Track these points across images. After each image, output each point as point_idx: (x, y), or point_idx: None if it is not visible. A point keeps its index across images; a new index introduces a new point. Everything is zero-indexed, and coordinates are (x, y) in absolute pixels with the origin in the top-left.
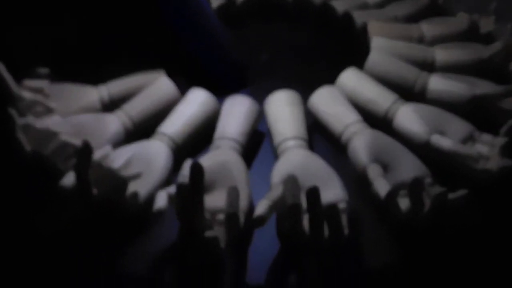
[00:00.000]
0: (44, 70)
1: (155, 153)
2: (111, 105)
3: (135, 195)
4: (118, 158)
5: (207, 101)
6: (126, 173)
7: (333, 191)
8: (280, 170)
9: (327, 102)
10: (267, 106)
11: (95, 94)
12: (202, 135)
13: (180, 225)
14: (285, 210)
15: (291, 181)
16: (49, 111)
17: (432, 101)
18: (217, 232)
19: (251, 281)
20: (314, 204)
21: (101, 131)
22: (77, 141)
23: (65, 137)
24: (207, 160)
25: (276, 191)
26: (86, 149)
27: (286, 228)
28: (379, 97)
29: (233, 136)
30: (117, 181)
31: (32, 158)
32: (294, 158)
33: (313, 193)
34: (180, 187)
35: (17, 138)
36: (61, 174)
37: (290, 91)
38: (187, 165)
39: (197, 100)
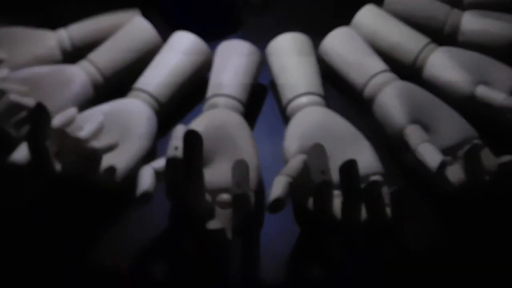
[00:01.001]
0: None
1: (133, 115)
2: (74, 54)
3: (111, 170)
4: (87, 123)
5: (196, 48)
6: (99, 143)
7: (366, 161)
8: (295, 135)
9: (344, 47)
10: (271, 54)
11: (53, 40)
12: (191, 91)
13: (172, 209)
14: (311, 189)
15: (317, 151)
16: None
17: (465, 44)
18: (221, 217)
19: (263, 273)
20: (351, 182)
21: (62, 88)
22: (30, 101)
23: (15, 96)
24: (200, 124)
25: (296, 164)
26: (41, 113)
27: (311, 210)
28: (406, 40)
29: (231, 91)
30: (87, 154)
31: None
32: (312, 119)
33: (350, 169)
34: (172, 161)
35: None
36: (13, 144)
37: (298, 34)
38: (179, 132)
39: (183, 47)
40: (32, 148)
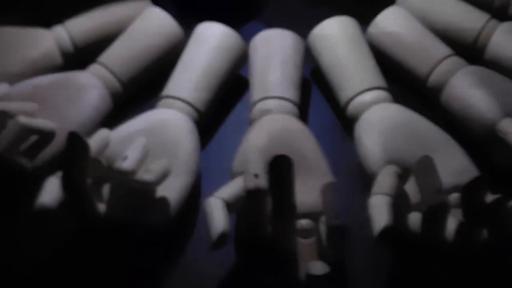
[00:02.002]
0: None
1: (175, 131)
2: (76, 56)
3: (166, 206)
4: (129, 149)
5: (230, 41)
6: (150, 174)
7: (459, 168)
8: (374, 142)
9: (399, 30)
10: (316, 43)
11: (49, 40)
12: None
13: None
14: (411, 209)
15: (426, 165)
16: None
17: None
18: (304, 251)
19: None
20: (476, 204)
21: (75, 102)
22: (45, 124)
23: (25, 119)
24: (261, 136)
25: (391, 180)
26: (76, 143)
27: (411, 233)
28: (464, 16)
29: (284, 92)
30: (135, 189)
31: None
32: (388, 120)
33: (478, 188)
34: (255, 194)
35: None
36: (27, 177)
37: (345, 18)
38: (253, 155)
39: (214, 41)
40: (68, 188)
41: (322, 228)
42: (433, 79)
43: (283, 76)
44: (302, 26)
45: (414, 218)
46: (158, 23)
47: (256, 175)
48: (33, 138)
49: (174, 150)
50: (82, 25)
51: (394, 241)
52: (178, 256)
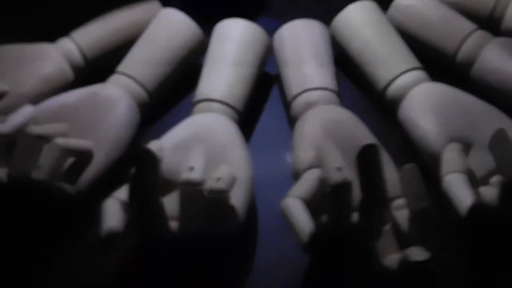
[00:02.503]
0: None
1: (223, 135)
2: (87, 69)
3: (236, 214)
4: (192, 159)
5: (258, 36)
6: (221, 182)
7: None
8: (436, 123)
9: (420, 8)
10: (341, 29)
11: (57, 54)
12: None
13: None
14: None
15: (501, 140)
16: None
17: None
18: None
19: None
20: None
21: (107, 118)
22: (84, 144)
23: (63, 140)
24: (318, 121)
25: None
26: (148, 161)
27: None
28: None
29: (324, 82)
30: (215, 201)
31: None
32: (439, 96)
33: None
34: (340, 187)
35: None
36: (71, 204)
37: (366, 2)
38: (329, 149)
39: (242, 36)
40: (141, 209)
41: (399, 214)
42: (463, 54)
43: (319, 66)
44: (311, 17)
45: (487, 193)
46: (177, 25)
47: (339, 168)
48: (70, 160)
49: (226, 155)
50: (90, 36)
51: (482, 219)
52: (248, 262)
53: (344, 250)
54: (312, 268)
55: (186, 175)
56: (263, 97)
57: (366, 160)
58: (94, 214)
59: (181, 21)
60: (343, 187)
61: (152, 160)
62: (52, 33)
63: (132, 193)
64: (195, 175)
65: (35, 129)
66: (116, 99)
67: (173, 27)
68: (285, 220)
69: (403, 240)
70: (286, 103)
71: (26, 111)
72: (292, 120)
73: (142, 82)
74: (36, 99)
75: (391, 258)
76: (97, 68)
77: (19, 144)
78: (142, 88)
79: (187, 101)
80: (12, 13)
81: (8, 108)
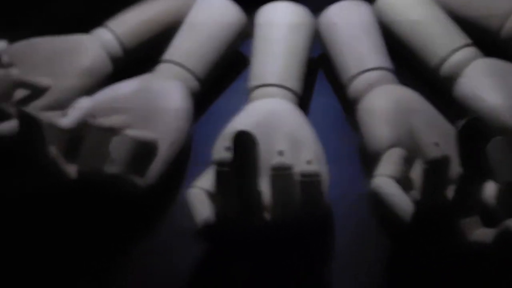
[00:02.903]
0: None
1: (296, 124)
2: (125, 59)
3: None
4: (276, 143)
5: (305, 18)
6: (313, 166)
7: None
8: (501, 96)
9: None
10: (386, 11)
11: (96, 45)
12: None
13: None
14: None
15: (499, 146)
16: (38, 92)
17: None
18: None
19: None
20: None
21: (165, 109)
22: (150, 135)
23: (133, 133)
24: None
25: None
26: (251, 142)
27: None
28: (490, 2)
29: (382, 62)
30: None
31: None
32: (500, 72)
33: None
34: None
35: (50, 158)
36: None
37: None
38: (433, 149)
39: (290, 20)
40: (242, 197)
41: (487, 188)
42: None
43: (374, 45)
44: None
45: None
46: (221, 10)
47: (436, 144)
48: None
49: (300, 139)
50: (127, 25)
51: None
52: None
53: (435, 227)
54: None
55: (278, 160)
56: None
57: (470, 133)
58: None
59: (225, 6)
60: (442, 163)
61: (253, 143)
62: (80, 24)
63: (237, 179)
64: (286, 159)
65: (105, 122)
66: (170, 89)
67: (217, 12)
68: (378, 200)
69: (488, 215)
70: (340, 84)
71: (85, 104)
72: (349, 101)
73: (193, 70)
74: (78, 92)
75: (481, 233)
76: (134, 58)
77: (87, 138)
78: (193, 77)
79: (232, 88)
80: (35, 4)
81: (53, 103)
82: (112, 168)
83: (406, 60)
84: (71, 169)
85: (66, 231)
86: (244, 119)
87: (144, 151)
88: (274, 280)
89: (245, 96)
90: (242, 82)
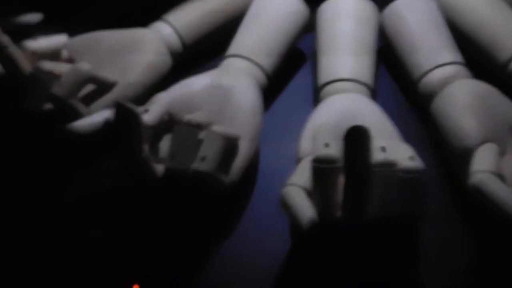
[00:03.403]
0: (33, 17)
1: (377, 119)
2: (185, 54)
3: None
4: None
5: (372, 12)
6: (417, 162)
7: None
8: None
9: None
10: (451, 4)
11: (156, 40)
12: None
13: None
14: None
15: None
16: (105, 88)
17: None
18: None
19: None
20: None
21: (240, 106)
22: (232, 131)
23: (220, 128)
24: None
25: None
26: (366, 137)
27: None
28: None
29: (455, 57)
30: None
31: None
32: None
33: None
34: None
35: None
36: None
37: None
38: None
39: (359, 15)
40: (351, 202)
41: None
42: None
43: (446, 40)
44: None
45: None
46: (285, 3)
47: None
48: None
49: (387, 135)
50: (186, 19)
51: None
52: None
53: None
54: None
55: (381, 156)
56: None
57: None
58: None
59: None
60: None
61: (368, 138)
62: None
63: (348, 177)
64: (389, 155)
65: (194, 118)
66: (242, 85)
67: (282, 4)
68: (482, 196)
69: None
70: (408, 78)
71: (164, 100)
72: (420, 96)
73: (261, 65)
74: (141, 89)
75: None
76: (192, 53)
77: (176, 136)
78: (262, 71)
79: (293, 83)
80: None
81: (119, 99)
82: (203, 166)
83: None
84: (159, 167)
85: (147, 229)
86: (327, 116)
87: (228, 148)
88: (362, 277)
89: (305, 92)
90: (302, 77)
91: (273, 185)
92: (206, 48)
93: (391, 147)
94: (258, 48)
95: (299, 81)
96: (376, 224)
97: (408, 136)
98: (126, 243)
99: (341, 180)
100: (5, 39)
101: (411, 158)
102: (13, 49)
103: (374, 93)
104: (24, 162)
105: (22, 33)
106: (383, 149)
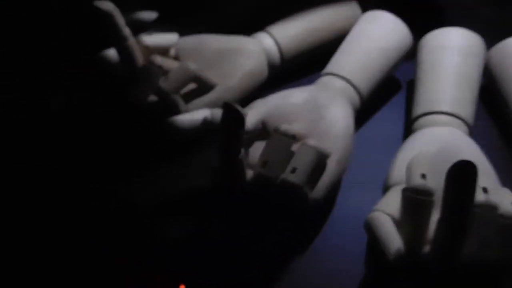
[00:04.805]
0: (149, 14)
1: (473, 157)
2: (281, 67)
3: None
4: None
5: (480, 47)
6: None
7: None
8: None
9: None
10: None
11: (258, 50)
12: None
13: None
14: None
15: None
16: (206, 89)
17: None
18: None
19: None
20: None
21: (335, 126)
22: (323, 148)
23: (314, 142)
24: None
25: None
26: (472, 171)
27: None
28: None
29: None
30: None
31: None
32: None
33: None
34: None
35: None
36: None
37: None
38: None
39: (465, 48)
40: (449, 244)
41: None
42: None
43: None
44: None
45: None
46: (390, 26)
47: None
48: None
49: (487, 175)
50: (288, 34)
51: None
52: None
53: None
54: None
55: (483, 197)
56: None
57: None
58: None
59: (394, 22)
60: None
61: (475, 177)
62: (241, 26)
63: (450, 213)
64: (492, 197)
65: (291, 129)
66: (338, 104)
67: (386, 28)
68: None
69: None
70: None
71: (262, 108)
72: None
73: (359, 88)
74: (238, 94)
75: None
76: (288, 67)
77: (270, 144)
78: (357, 93)
79: (385, 110)
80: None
81: (214, 101)
82: (292, 177)
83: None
84: (249, 172)
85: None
86: (425, 146)
87: (318, 163)
88: None
89: (395, 120)
90: (394, 105)
91: (351, 208)
92: (303, 64)
93: (492, 189)
94: (357, 70)
95: (391, 109)
96: (468, 268)
97: (504, 181)
98: (201, 242)
99: (434, 215)
100: (127, 31)
101: None
102: (132, 42)
103: (471, 132)
104: (122, 150)
105: (138, 28)
106: (485, 190)
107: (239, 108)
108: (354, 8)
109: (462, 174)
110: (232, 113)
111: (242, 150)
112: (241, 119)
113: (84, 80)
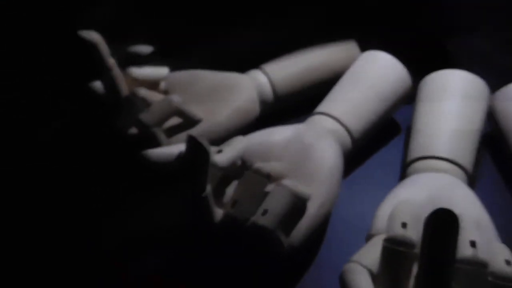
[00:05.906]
0: (146, 48)
1: (462, 201)
2: (274, 105)
3: None
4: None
5: (482, 91)
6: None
7: None
8: None
9: None
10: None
11: (250, 87)
12: None
13: None
14: None
15: None
16: (190, 124)
17: None
18: None
19: None
20: None
21: (318, 167)
22: (303, 190)
23: (291, 184)
24: None
25: None
26: (455, 223)
27: None
28: None
29: None
30: None
31: None
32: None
33: None
34: None
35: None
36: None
37: None
38: None
39: (466, 92)
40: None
41: None
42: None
43: None
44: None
45: None
46: (387, 68)
47: None
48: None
49: (485, 230)
50: (283, 72)
51: None
52: None
53: None
54: None
55: (471, 253)
56: None
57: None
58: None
59: (392, 64)
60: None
61: (457, 227)
62: (234, 63)
63: (430, 265)
64: (480, 252)
65: (265, 167)
66: (325, 145)
67: (384, 71)
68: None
69: None
70: None
71: (241, 144)
72: None
73: (350, 129)
74: (224, 131)
75: None
76: (281, 106)
77: (242, 182)
78: (348, 135)
79: (381, 154)
80: (197, 39)
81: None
82: (262, 220)
83: None
84: (218, 211)
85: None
86: (410, 193)
87: (295, 207)
88: None
89: (392, 165)
90: (392, 149)
91: (336, 257)
92: (300, 102)
93: (484, 243)
94: (349, 109)
95: (388, 153)
96: None
97: (509, 236)
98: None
99: (415, 269)
100: (112, 61)
101: (507, 262)
102: (116, 72)
103: (473, 181)
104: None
105: (132, 60)
106: (473, 244)
107: (204, 141)
108: (353, 48)
109: (440, 224)
110: (195, 147)
111: (209, 187)
112: (205, 153)
113: (71, 108)
